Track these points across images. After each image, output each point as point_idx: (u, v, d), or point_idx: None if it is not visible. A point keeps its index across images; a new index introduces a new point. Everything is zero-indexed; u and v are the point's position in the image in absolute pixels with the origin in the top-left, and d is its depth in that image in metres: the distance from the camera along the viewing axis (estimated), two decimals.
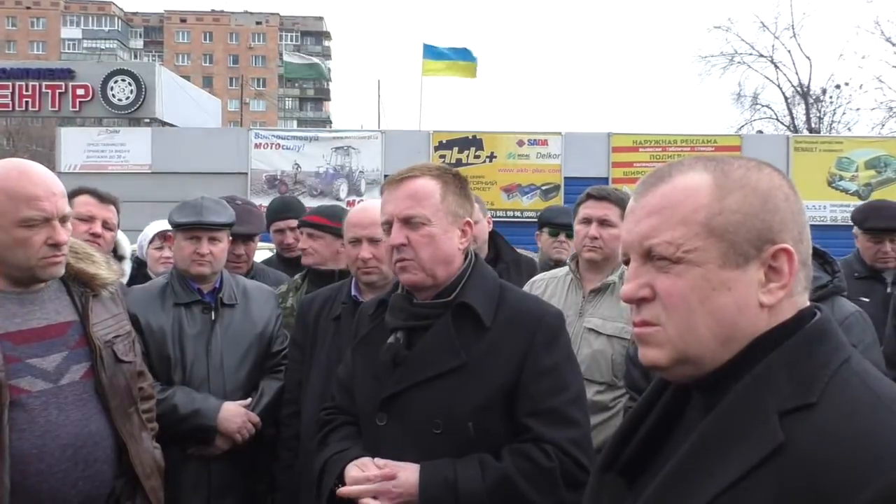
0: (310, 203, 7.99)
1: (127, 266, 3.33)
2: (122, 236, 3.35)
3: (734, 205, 0.94)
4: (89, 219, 2.93)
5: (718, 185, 0.95)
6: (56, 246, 1.87)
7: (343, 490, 1.69)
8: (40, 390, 1.83)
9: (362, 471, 1.69)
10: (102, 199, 2.99)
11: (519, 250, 3.89)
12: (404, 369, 1.73)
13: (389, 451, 1.71)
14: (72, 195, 2.94)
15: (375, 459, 1.70)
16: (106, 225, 2.98)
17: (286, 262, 3.84)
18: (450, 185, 1.80)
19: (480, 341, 1.72)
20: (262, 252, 4.62)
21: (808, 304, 0.96)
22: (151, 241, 3.53)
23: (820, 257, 2.66)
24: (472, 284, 1.78)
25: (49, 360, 1.87)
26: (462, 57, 17.49)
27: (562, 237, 3.92)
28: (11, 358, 1.80)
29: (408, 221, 1.75)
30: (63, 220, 1.90)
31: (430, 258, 1.75)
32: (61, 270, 1.93)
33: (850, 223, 3.90)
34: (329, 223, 3.10)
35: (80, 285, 2.02)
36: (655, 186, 0.99)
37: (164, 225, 3.41)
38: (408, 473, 1.65)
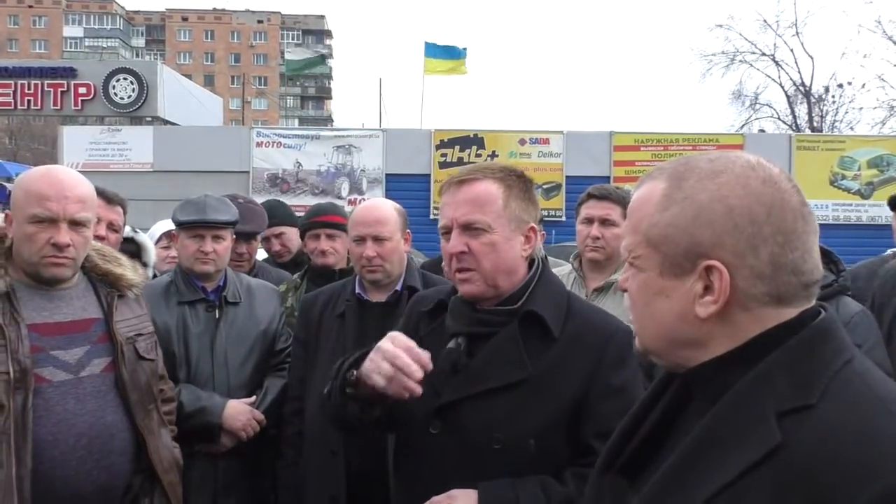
0: (312, 202, 7.99)
1: (149, 273, 3.28)
2: (148, 243, 3.32)
3: (669, 218, 0.95)
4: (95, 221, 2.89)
5: (665, 196, 0.96)
6: (57, 247, 1.91)
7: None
8: (61, 381, 1.90)
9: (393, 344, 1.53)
10: (109, 200, 2.95)
11: None
12: (465, 378, 1.62)
13: (442, 461, 1.61)
14: None
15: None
16: (111, 226, 2.94)
17: (280, 265, 3.81)
18: (514, 188, 1.67)
19: (547, 354, 1.62)
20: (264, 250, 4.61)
21: (786, 318, 0.92)
22: (158, 241, 3.53)
23: (825, 256, 2.65)
24: (539, 293, 1.68)
25: (72, 352, 1.94)
26: (455, 55, 17.54)
27: None
28: (36, 348, 1.88)
29: (468, 228, 1.64)
30: (74, 224, 1.94)
31: (492, 268, 1.63)
32: (65, 273, 1.97)
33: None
34: (347, 222, 3.08)
35: (106, 286, 2.10)
36: (635, 190, 1.04)
37: (171, 225, 3.40)
38: (465, 500, 1.53)
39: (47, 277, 1.95)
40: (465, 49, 17.59)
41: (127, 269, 2.16)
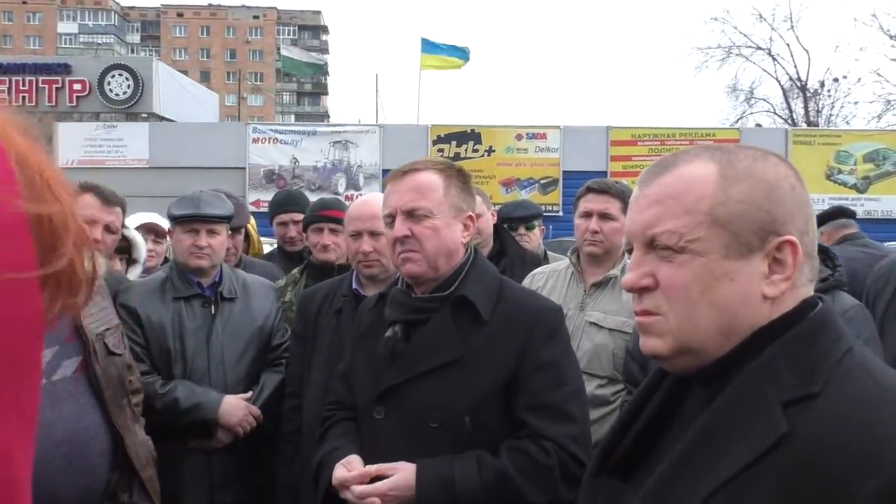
0: (308, 198, 8.01)
1: (138, 269, 3.22)
2: (139, 239, 3.24)
3: (739, 195, 0.92)
4: (91, 223, 2.75)
5: (723, 175, 0.94)
6: None
7: (349, 493, 1.67)
8: None
9: (348, 470, 1.68)
10: (108, 201, 2.77)
11: None
12: (402, 363, 1.74)
13: (387, 444, 1.71)
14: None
15: (368, 467, 1.68)
16: (108, 229, 2.80)
17: (288, 255, 3.84)
18: (453, 179, 1.81)
19: (478, 335, 1.72)
20: (267, 246, 4.61)
21: (811, 295, 0.95)
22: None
23: (822, 252, 2.65)
24: (471, 278, 1.79)
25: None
26: (457, 53, 17.52)
27: (521, 230, 3.92)
28: None
29: (411, 214, 1.75)
30: None
31: (434, 250, 1.75)
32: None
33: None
34: None
35: None
36: (660, 176, 0.98)
37: (147, 217, 3.40)
38: (404, 473, 1.63)
39: None
40: (466, 49, 17.55)
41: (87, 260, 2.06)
